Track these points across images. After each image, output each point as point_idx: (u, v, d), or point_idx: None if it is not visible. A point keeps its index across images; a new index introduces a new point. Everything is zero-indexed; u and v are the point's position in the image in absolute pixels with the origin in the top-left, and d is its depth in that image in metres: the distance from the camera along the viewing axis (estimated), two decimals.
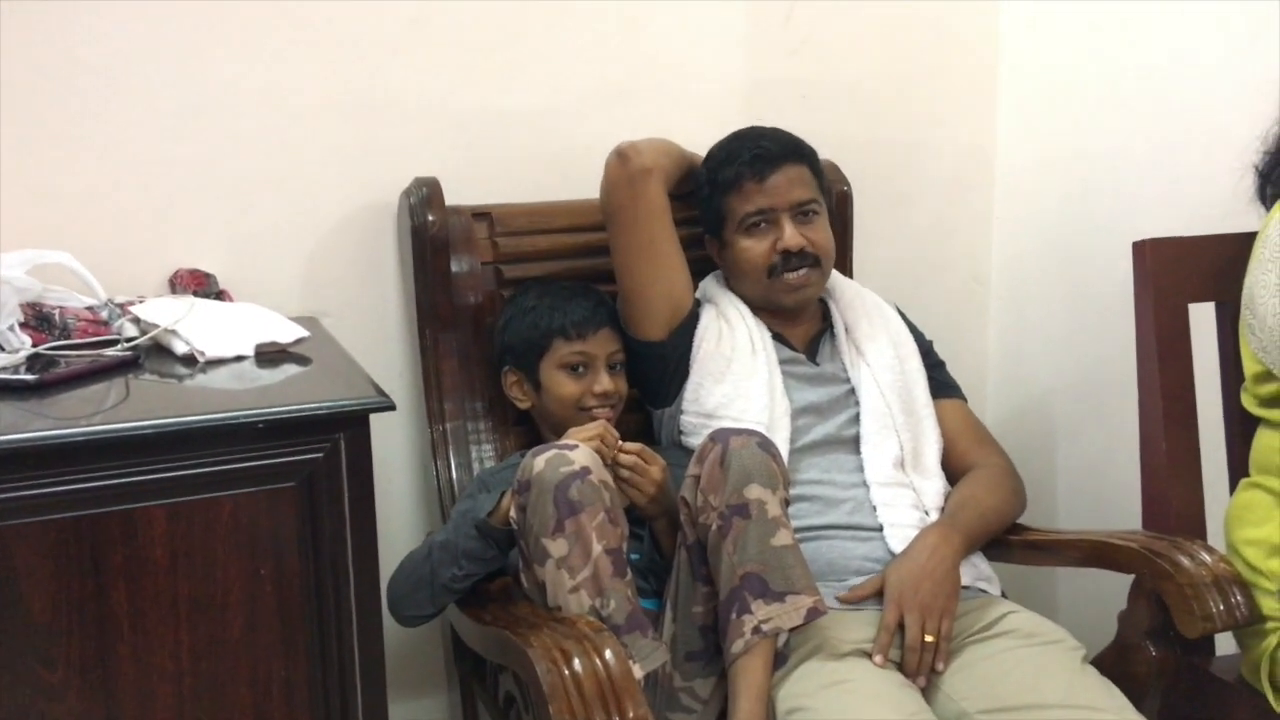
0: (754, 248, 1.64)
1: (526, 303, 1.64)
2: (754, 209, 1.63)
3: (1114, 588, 1.51)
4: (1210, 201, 1.68)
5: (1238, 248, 1.51)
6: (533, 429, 1.69)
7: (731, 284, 1.73)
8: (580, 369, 1.61)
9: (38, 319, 1.44)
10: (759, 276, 1.65)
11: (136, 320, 1.47)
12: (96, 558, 1.18)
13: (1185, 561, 1.41)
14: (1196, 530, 1.55)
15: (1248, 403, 1.52)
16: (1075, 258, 2.00)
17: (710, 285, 1.75)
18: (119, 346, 1.42)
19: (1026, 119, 2.08)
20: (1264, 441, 1.50)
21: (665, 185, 1.67)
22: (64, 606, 1.18)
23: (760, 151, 1.63)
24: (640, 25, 1.87)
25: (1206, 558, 1.42)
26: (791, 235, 1.62)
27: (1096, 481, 2.00)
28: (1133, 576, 1.47)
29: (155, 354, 1.44)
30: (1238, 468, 1.57)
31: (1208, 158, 1.71)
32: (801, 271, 1.64)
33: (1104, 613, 1.55)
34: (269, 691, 1.27)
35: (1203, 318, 1.61)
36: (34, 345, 1.40)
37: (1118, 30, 1.89)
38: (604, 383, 1.61)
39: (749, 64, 1.95)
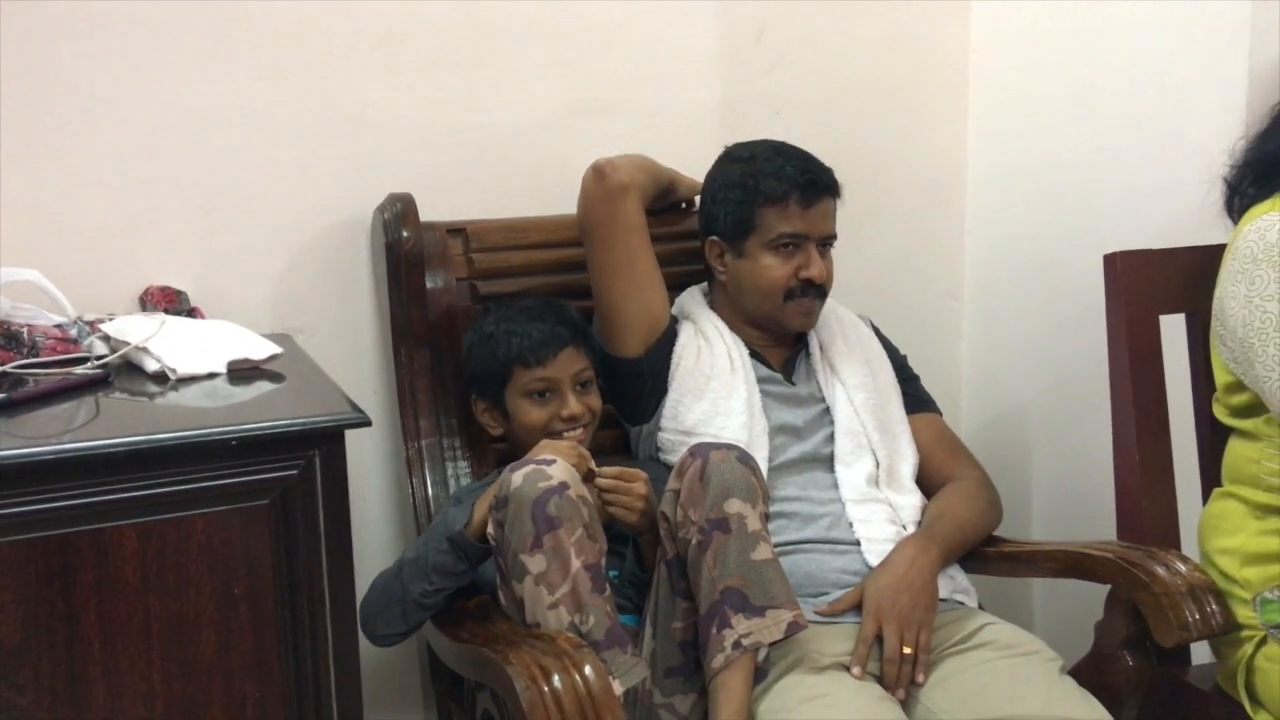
0: (778, 268, 1.63)
1: (485, 329, 1.60)
2: (791, 231, 1.62)
3: (1090, 598, 1.52)
4: (1179, 213, 1.70)
5: (1208, 260, 1.52)
6: (509, 445, 1.68)
7: (722, 296, 1.71)
8: (545, 395, 1.57)
9: (6, 337, 1.42)
10: (773, 297, 1.64)
11: (106, 338, 1.46)
12: (66, 578, 1.17)
13: (1160, 571, 1.42)
14: (1170, 540, 1.56)
15: (1219, 413, 1.54)
16: (1047, 271, 2.01)
17: (687, 302, 1.75)
18: (89, 364, 1.40)
19: (997, 134, 2.10)
20: (1236, 451, 1.51)
21: (642, 202, 1.67)
22: (33, 628, 1.16)
23: (813, 178, 1.63)
24: (614, 43, 1.88)
25: (1181, 567, 1.43)
26: (818, 267, 1.63)
27: (1071, 492, 2.01)
28: (1108, 587, 1.48)
29: (126, 372, 1.42)
30: (1210, 477, 1.59)
31: (1176, 170, 1.73)
32: (812, 300, 1.65)
33: (1080, 623, 1.56)
34: (243, 713, 1.25)
35: (1174, 329, 1.62)
36: (2, 364, 1.38)
37: (1086, 45, 1.91)
38: (571, 406, 1.56)
39: (722, 80, 1.96)
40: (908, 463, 1.67)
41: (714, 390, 1.62)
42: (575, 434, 1.57)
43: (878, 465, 1.63)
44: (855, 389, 1.67)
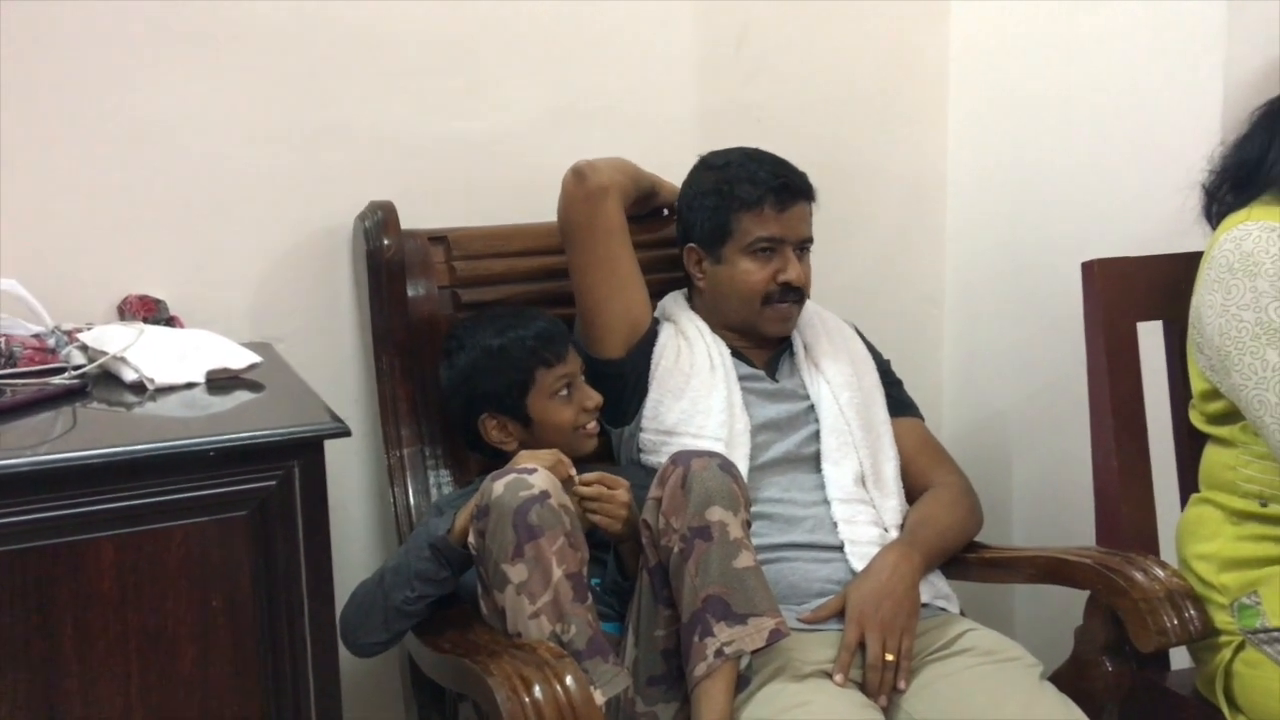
0: (756, 272, 1.64)
1: (484, 344, 1.57)
2: (767, 235, 1.63)
3: (1070, 604, 1.53)
4: (1157, 220, 1.71)
5: (1184, 267, 1.53)
6: (491, 453, 1.67)
7: (702, 302, 1.71)
8: (567, 391, 1.58)
9: None
10: (751, 301, 1.65)
11: (84, 347, 1.45)
12: (43, 591, 1.16)
13: (1139, 577, 1.43)
14: (1149, 545, 1.57)
15: (1196, 420, 1.55)
16: (1026, 277, 2.02)
17: (669, 304, 1.75)
18: (66, 374, 1.39)
19: (976, 141, 2.11)
20: (1213, 457, 1.52)
21: (622, 203, 1.67)
22: (9, 641, 1.15)
23: (787, 181, 1.64)
24: (594, 51, 1.88)
25: (1160, 573, 1.44)
26: (795, 270, 1.64)
27: (1050, 498, 2.02)
28: (1088, 592, 1.49)
29: (104, 382, 1.41)
30: (1188, 483, 1.60)
31: (1154, 176, 1.75)
32: (791, 304, 1.66)
33: (1060, 629, 1.56)
34: None
35: (1151, 336, 1.63)
36: None
37: (1065, 51, 1.92)
38: (594, 395, 1.59)
39: (702, 88, 1.96)
40: (891, 464, 1.67)
41: (694, 389, 1.62)
42: (594, 426, 1.59)
43: (862, 465, 1.64)
44: (840, 387, 1.67)
